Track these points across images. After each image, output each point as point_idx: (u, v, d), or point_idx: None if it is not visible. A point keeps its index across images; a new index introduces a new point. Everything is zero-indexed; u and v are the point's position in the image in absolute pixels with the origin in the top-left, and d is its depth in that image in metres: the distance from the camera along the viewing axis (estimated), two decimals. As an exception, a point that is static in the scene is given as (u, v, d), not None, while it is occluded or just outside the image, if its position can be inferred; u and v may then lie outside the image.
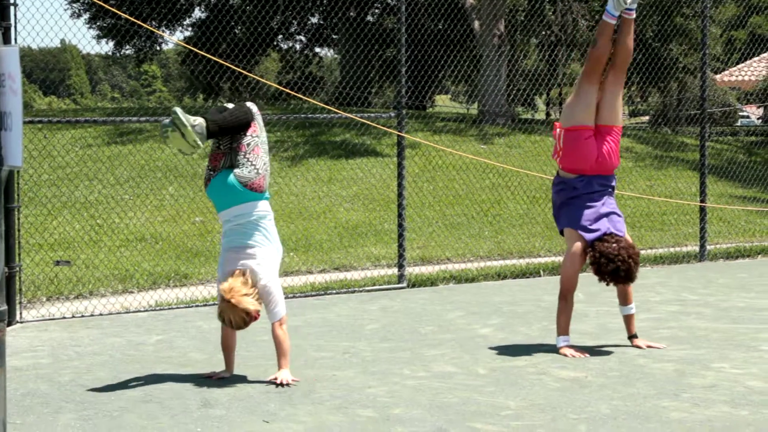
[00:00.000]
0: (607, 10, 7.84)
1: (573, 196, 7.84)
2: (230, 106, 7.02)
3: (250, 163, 6.83)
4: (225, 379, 7.04)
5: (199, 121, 6.76)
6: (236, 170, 6.82)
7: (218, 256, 12.50)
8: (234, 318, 6.67)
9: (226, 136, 6.90)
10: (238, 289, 6.64)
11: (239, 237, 6.88)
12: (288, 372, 6.87)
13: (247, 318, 6.67)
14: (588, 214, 7.77)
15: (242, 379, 7.03)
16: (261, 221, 6.90)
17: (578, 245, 7.75)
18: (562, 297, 7.84)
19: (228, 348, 7.09)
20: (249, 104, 7.00)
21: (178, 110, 6.74)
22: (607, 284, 7.74)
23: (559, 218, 7.95)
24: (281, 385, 6.77)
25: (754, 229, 15.52)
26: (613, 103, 7.93)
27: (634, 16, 8.12)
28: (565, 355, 7.69)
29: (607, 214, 7.82)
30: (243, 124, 6.89)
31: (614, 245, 7.62)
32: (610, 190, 7.97)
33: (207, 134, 6.76)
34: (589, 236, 7.71)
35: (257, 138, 6.91)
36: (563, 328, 7.85)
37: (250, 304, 6.65)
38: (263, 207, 6.92)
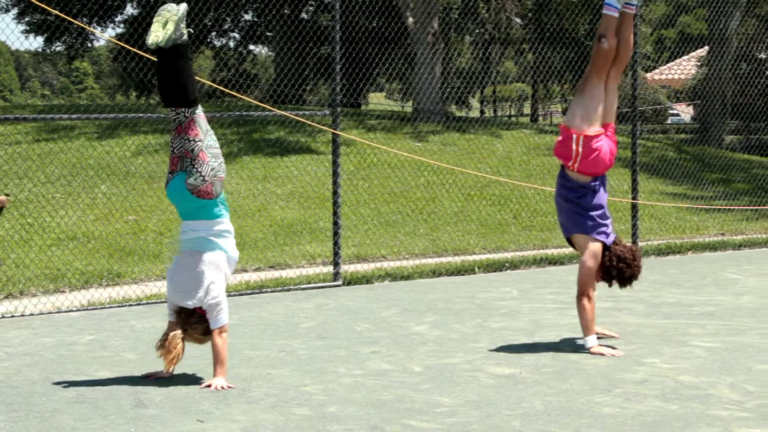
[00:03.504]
0: (608, 3, 7.86)
1: (596, 200, 7.83)
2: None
3: (195, 171, 6.75)
4: (160, 379, 7.00)
5: (184, 36, 6.82)
6: (186, 178, 6.79)
7: (151, 255, 12.46)
8: (192, 341, 6.97)
9: (167, 65, 6.84)
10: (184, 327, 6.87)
11: (193, 244, 6.88)
12: (222, 380, 6.81)
13: (202, 337, 6.95)
14: (604, 217, 7.85)
15: (177, 379, 6.98)
16: (214, 237, 6.87)
17: (600, 246, 7.78)
18: (585, 296, 7.72)
19: None
20: (199, 105, 6.96)
21: (182, 11, 6.81)
22: (610, 286, 8.00)
23: (578, 223, 7.81)
24: (215, 388, 6.74)
25: (684, 225, 15.73)
26: (614, 99, 7.96)
27: (635, 11, 8.19)
28: (602, 354, 7.59)
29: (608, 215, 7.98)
30: (181, 85, 6.82)
31: (628, 250, 7.86)
32: None
33: (169, 44, 6.76)
34: (607, 240, 7.82)
35: (200, 143, 6.80)
36: (592, 328, 7.77)
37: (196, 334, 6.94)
38: (219, 227, 6.89)
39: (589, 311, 7.71)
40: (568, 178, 7.88)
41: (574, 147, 7.76)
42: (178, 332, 6.79)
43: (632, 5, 8.12)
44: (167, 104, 6.90)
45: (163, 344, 6.76)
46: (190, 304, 6.81)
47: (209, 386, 6.76)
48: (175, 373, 7.09)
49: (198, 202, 6.81)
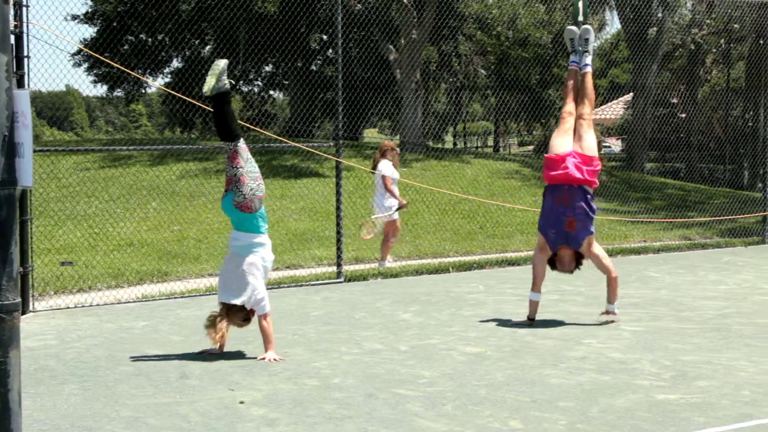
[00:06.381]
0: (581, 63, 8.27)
1: None
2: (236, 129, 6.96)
3: (238, 190, 6.82)
4: (202, 355, 7.00)
5: (225, 85, 6.84)
6: (233, 197, 6.84)
7: (192, 258, 12.40)
8: (233, 325, 6.95)
9: (215, 109, 6.89)
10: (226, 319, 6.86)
11: (237, 249, 6.90)
12: (272, 353, 6.86)
13: (243, 323, 6.95)
14: None
15: (213, 356, 6.97)
16: (252, 246, 6.88)
17: None
18: (616, 275, 8.07)
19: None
20: (241, 138, 6.95)
21: (222, 66, 6.83)
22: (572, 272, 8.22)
23: (590, 226, 8.00)
24: (268, 360, 6.77)
25: (615, 234, 15.74)
26: None
27: (576, 68, 8.39)
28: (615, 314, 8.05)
29: None
30: (226, 124, 6.84)
31: None
32: None
33: (213, 93, 6.81)
34: None
35: (241, 169, 6.84)
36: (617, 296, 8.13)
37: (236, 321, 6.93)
38: (257, 239, 6.88)
39: (618, 285, 8.12)
40: (591, 192, 8.02)
41: (599, 170, 8.00)
42: (223, 317, 6.82)
43: (574, 62, 8.23)
44: (221, 139, 6.94)
45: (212, 325, 6.77)
46: (237, 302, 6.82)
47: (263, 359, 6.79)
48: (216, 353, 7.08)
49: (242, 215, 6.84)
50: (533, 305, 8.15)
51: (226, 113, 6.88)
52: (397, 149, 12.19)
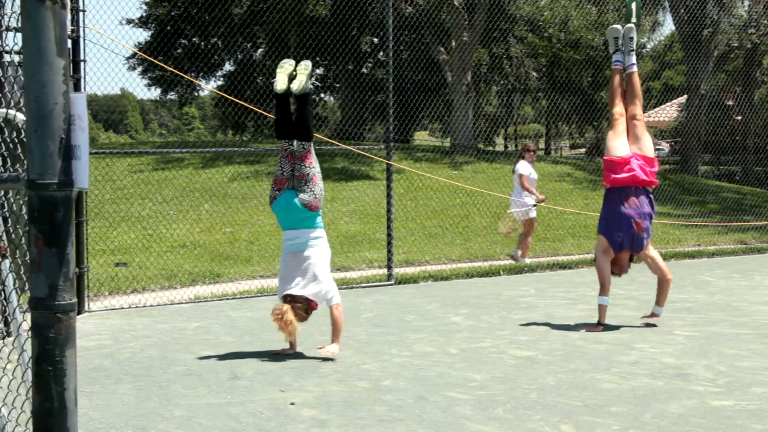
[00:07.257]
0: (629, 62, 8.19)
1: None
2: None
3: (309, 189, 6.84)
4: (287, 354, 7.06)
5: (308, 86, 6.86)
6: (300, 194, 6.83)
7: (243, 259, 12.49)
8: (296, 316, 6.71)
9: (299, 108, 6.88)
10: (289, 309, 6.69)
11: (296, 247, 6.87)
12: (336, 347, 6.87)
13: (305, 315, 6.77)
14: None
15: (264, 357, 7.01)
16: (314, 240, 6.90)
17: None
18: (671, 278, 8.11)
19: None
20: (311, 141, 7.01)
21: (311, 67, 6.91)
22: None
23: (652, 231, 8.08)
24: (328, 352, 6.80)
25: (668, 238, 15.56)
26: None
27: (620, 67, 8.32)
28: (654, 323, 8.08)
29: None
30: (306, 124, 6.88)
31: None
32: None
33: (301, 92, 6.82)
34: None
35: (314, 169, 6.90)
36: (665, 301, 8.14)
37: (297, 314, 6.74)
38: (315, 234, 6.91)
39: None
40: (652, 192, 7.98)
41: (657, 170, 8.01)
42: (287, 307, 6.67)
43: (619, 62, 8.17)
44: (285, 137, 6.94)
45: (278, 318, 6.62)
46: (306, 294, 6.76)
47: (323, 348, 6.82)
48: (262, 351, 7.12)
49: (305, 213, 6.84)
50: (603, 309, 8.06)
51: (307, 113, 6.92)
52: (533, 152, 12.82)
